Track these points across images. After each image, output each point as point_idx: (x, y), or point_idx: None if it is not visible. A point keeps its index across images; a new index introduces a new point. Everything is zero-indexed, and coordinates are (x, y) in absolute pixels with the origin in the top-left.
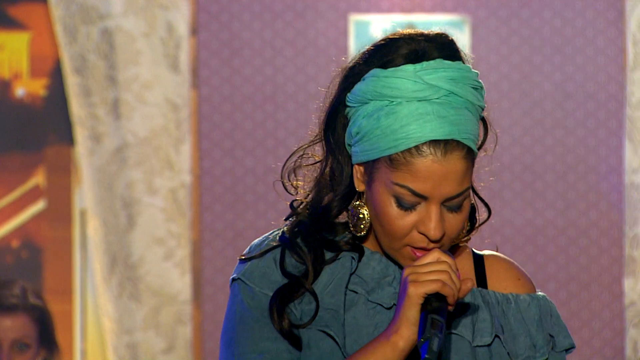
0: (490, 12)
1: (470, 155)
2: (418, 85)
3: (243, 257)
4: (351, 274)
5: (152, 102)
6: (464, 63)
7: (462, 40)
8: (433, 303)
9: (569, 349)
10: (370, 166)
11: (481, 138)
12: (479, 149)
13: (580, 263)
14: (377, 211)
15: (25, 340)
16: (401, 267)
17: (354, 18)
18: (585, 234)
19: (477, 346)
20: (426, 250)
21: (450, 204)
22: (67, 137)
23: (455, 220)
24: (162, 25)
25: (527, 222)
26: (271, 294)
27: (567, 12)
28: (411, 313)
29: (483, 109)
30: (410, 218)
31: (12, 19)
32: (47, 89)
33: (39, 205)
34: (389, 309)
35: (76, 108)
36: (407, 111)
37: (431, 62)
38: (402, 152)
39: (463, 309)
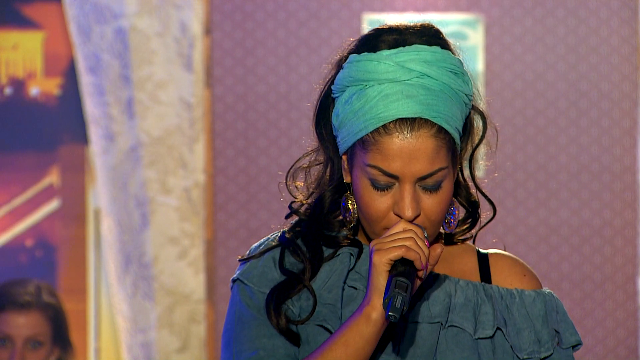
0: (504, 11)
1: (442, 135)
2: (389, 66)
3: (242, 258)
4: (349, 270)
5: (166, 101)
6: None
7: (476, 39)
8: (398, 267)
9: (576, 345)
10: (350, 153)
11: (480, 131)
12: (479, 143)
13: (594, 262)
14: (356, 197)
15: (38, 338)
16: None
17: (368, 17)
18: (599, 233)
19: (479, 339)
20: None
21: (424, 183)
22: (81, 136)
23: (433, 201)
24: (176, 25)
25: (541, 221)
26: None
27: (581, 11)
28: (379, 282)
29: (469, 96)
30: (386, 200)
31: (27, 19)
32: (61, 88)
33: (53, 205)
34: None
35: (90, 107)
36: (376, 92)
37: (407, 47)
38: (371, 132)
39: (464, 303)
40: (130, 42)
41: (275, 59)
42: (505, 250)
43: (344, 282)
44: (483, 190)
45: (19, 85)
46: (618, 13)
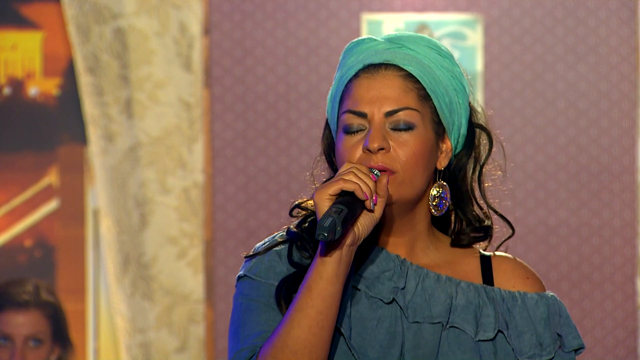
0: (503, 11)
1: (413, 81)
2: (367, 41)
3: (248, 255)
4: (353, 271)
5: (165, 101)
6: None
7: (475, 39)
8: (338, 198)
9: (578, 349)
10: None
11: (486, 149)
12: (486, 159)
13: (593, 262)
14: (336, 157)
15: (38, 336)
16: (403, 261)
17: (367, 17)
18: (598, 234)
19: (481, 341)
20: (373, 168)
21: (394, 122)
22: (80, 136)
23: (403, 140)
24: (175, 25)
25: (540, 221)
26: (277, 283)
27: (580, 11)
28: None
29: (460, 80)
30: (359, 143)
31: (25, 19)
32: (60, 88)
33: (52, 205)
34: (389, 303)
35: (89, 107)
36: (354, 58)
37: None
38: (345, 86)
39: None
40: (129, 42)
41: (274, 59)
42: (507, 252)
43: (350, 282)
44: (496, 209)
45: (17, 85)
46: (617, 13)
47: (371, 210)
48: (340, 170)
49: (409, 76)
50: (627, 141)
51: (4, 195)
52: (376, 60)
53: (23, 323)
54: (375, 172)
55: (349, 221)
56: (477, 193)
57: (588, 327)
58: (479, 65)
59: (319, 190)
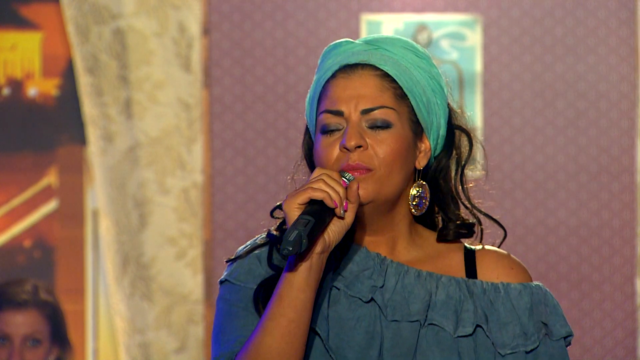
0: (503, 11)
1: (389, 81)
2: (344, 43)
3: (229, 259)
4: (334, 270)
5: (164, 101)
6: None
7: (474, 39)
8: (307, 207)
9: (567, 337)
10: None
11: (466, 151)
12: (466, 160)
13: (593, 263)
14: (314, 158)
15: (36, 336)
16: (383, 259)
17: (366, 18)
18: (597, 234)
19: (460, 337)
20: (352, 168)
21: (370, 120)
22: (79, 136)
23: (381, 137)
24: (174, 25)
25: (539, 221)
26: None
27: (579, 12)
28: None
29: (437, 80)
30: (336, 142)
31: (25, 19)
32: (59, 88)
33: (51, 205)
34: (367, 302)
35: (88, 108)
36: (331, 60)
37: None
38: (322, 88)
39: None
40: (128, 42)
41: (273, 60)
42: (494, 245)
43: (330, 282)
44: (480, 209)
45: (17, 85)
46: (616, 13)
47: (341, 217)
48: (311, 177)
49: (386, 76)
50: (626, 141)
51: (3, 196)
52: (352, 60)
53: (21, 323)
54: (347, 177)
55: (316, 231)
56: (462, 195)
57: (587, 327)
58: (478, 65)
59: (288, 199)
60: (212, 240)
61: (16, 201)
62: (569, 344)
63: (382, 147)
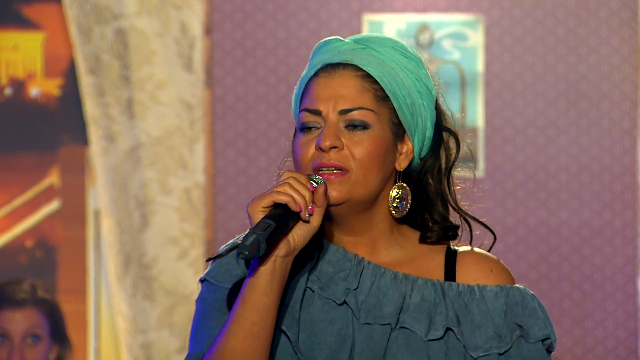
0: (504, 11)
1: (370, 82)
2: (333, 41)
3: (210, 258)
4: (310, 271)
5: (166, 101)
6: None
7: (476, 39)
8: (270, 211)
9: (545, 340)
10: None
11: (453, 151)
12: (454, 161)
13: (594, 263)
14: (292, 155)
15: (36, 333)
16: (360, 260)
17: (368, 18)
18: (599, 234)
19: (431, 340)
20: (326, 166)
21: (348, 120)
22: (81, 137)
23: (358, 138)
24: (176, 25)
25: (541, 221)
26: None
27: (581, 12)
28: None
29: (420, 78)
30: (312, 141)
31: (27, 19)
32: (61, 88)
33: (53, 205)
34: (340, 305)
35: (90, 108)
36: (317, 58)
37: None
38: (305, 86)
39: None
40: (130, 42)
41: (275, 60)
42: (482, 247)
43: (306, 283)
44: (469, 212)
45: (19, 85)
46: (618, 14)
47: (306, 221)
48: (280, 180)
49: (368, 76)
50: (628, 142)
51: (5, 196)
52: (335, 59)
53: (20, 320)
54: (316, 180)
55: (277, 235)
56: (448, 196)
57: (589, 327)
58: (480, 65)
59: (253, 202)
60: (214, 240)
61: (18, 201)
62: (551, 347)
63: (358, 148)
